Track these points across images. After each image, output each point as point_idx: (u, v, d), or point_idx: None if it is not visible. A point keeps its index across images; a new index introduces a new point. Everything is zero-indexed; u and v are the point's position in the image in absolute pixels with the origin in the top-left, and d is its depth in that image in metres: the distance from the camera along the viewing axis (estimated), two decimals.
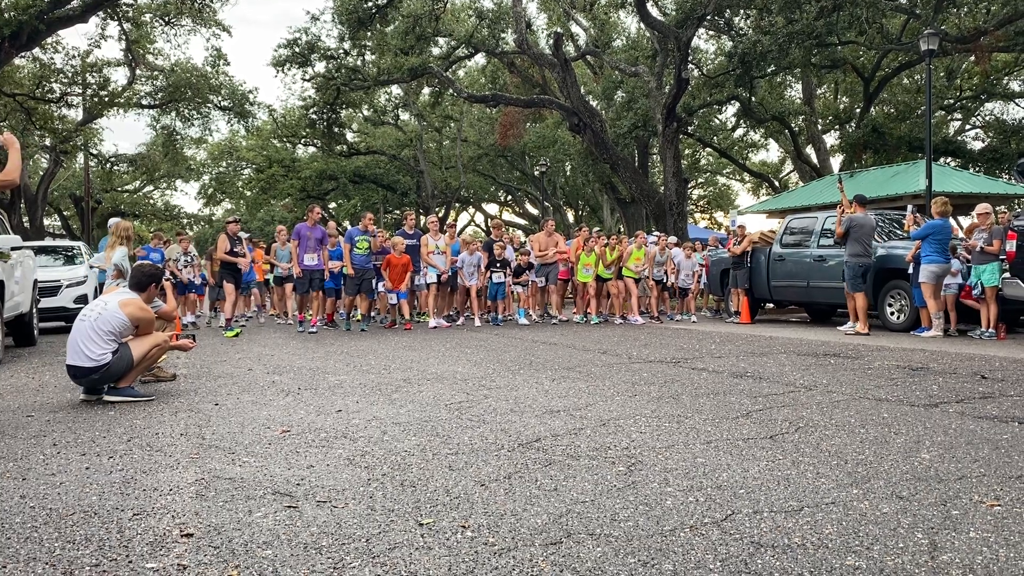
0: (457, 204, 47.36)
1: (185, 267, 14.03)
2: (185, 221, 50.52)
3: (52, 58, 28.15)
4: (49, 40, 25.56)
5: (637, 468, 3.54)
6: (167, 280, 12.14)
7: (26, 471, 3.69)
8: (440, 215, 38.79)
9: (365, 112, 39.20)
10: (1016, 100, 32.37)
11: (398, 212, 44.88)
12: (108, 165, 40.89)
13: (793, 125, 30.07)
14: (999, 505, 2.93)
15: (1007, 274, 9.99)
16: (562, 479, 3.38)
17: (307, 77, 25.99)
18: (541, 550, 2.54)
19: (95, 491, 3.32)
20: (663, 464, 3.61)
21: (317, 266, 12.57)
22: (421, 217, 36.49)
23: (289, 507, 3.05)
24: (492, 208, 52.64)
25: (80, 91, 30.20)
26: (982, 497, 3.03)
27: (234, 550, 2.59)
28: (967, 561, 2.38)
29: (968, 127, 35.38)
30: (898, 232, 12.31)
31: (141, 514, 2.99)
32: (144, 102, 32.21)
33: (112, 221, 8.95)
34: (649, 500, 3.06)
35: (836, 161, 32.38)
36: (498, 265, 13.62)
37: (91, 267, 13.25)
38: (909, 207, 12.13)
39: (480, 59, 32.54)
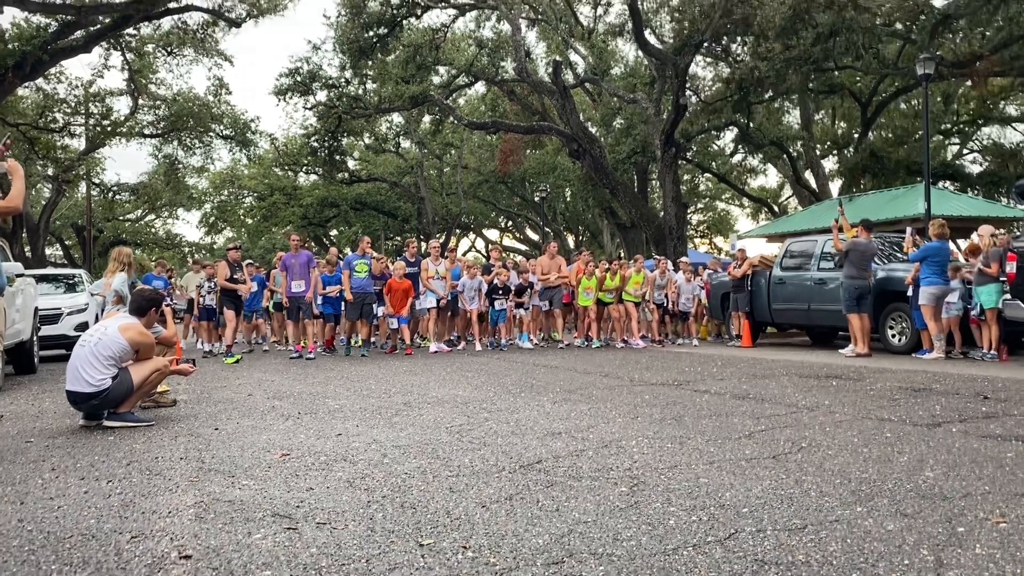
0: (458, 230, 47.47)
1: (208, 293, 14.04)
2: (187, 249, 50.61)
3: (55, 88, 28.38)
4: (52, 70, 25.78)
5: (639, 488, 3.52)
6: (167, 306, 12.14)
7: (24, 495, 3.66)
8: (441, 241, 38.84)
9: (366, 140, 39.41)
10: (1013, 124, 32.57)
11: (399, 239, 44.98)
12: (110, 194, 41.06)
13: (791, 150, 30.21)
14: (1005, 522, 2.90)
15: (1007, 295, 9.98)
16: (564, 500, 3.35)
17: (309, 105, 26.19)
18: (543, 569, 2.51)
19: (93, 514, 3.29)
20: (665, 484, 3.58)
21: (303, 292, 12.51)
22: (422, 244, 36.64)
23: (288, 529, 3.02)
24: (493, 234, 52.80)
25: (83, 121, 30.39)
26: (987, 514, 3.01)
27: (233, 571, 2.56)
28: None
29: (966, 151, 35.57)
30: (898, 255, 12.33)
31: (139, 536, 2.97)
32: (146, 131, 32.43)
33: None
34: (652, 520, 3.04)
35: (835, 186, 32.51)
36: (500, 292, 13.62)
37: (92, 295, 13.26)
38: (908, 229, 12.14)
39: (480, 87, 32.79)
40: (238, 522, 3.13)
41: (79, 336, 6.01)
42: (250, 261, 15.79)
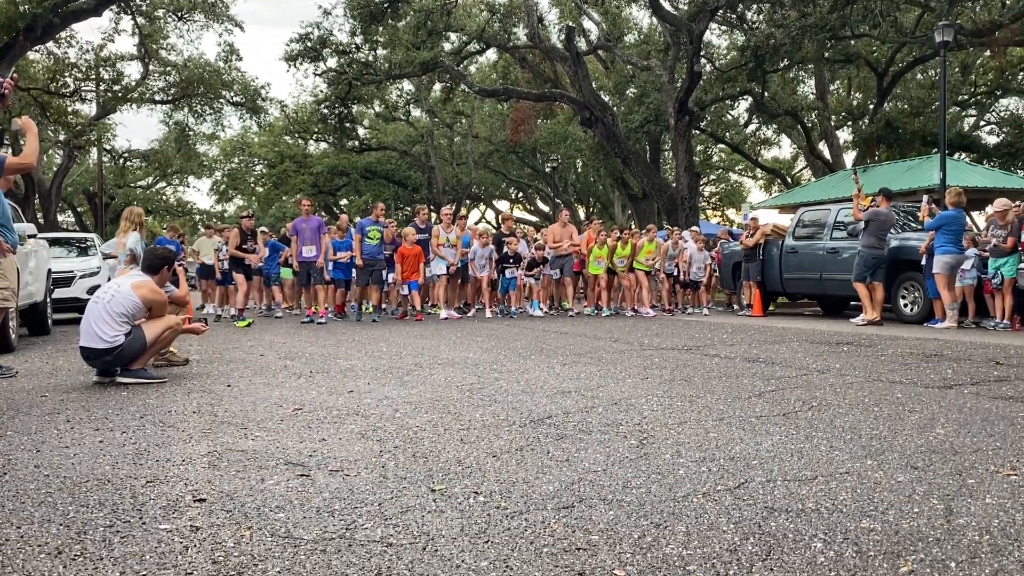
0: (468, 200, 47.33)
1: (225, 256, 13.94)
2: (197, 217, 50.68)
3: (66, 52, 28.19)
4: (63, 34, 25.64)
5: (649, 441, 3.53)
6: (179, 265, 12.17)
7: (40, 444, 3.71)
8: (451, 211, 38.70)
9: (376, 108, 39.21)
10: None
11: (409, 209, 44.92)
12: (121, 161, 41.06)
13: (806, 120, 29.89)
14: (1016, 475, 2.90)
15: (1022, 265, 9.91)
16: (574, 451, 3.37)
17: (319, 72, 26.03)
18: (553, 513, 2.53)
19: (108, 461, 3.33)
20: (675, 438, 3.59)
21: (314, 257, 12.50)
22: (433, 214, 36.57)
23: (302, 476, 3.05)
24: (503, 205, 52.61)
25: (94, 86, 30.27)
26: (998, 468, 3.01)
27: (247, 513, 2.59)
28: (983, 524, 2.36)
29: (983, 123, 35.09)
30: (912, 224, 12.23)
31: (154, 482, 3.01)
32: (157, 97, 32.29)
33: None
34: (662, 470, 3.05)
35: (849, 157, 32.15)
36: (510, 260, 13.61)
37: (104, 254, 13.30)
38: (925, 197, 12.03)
39: (491, 55, 32.53)
40: (251, 469, 3.16)
41: None
42: (264, 229, 15.79)
